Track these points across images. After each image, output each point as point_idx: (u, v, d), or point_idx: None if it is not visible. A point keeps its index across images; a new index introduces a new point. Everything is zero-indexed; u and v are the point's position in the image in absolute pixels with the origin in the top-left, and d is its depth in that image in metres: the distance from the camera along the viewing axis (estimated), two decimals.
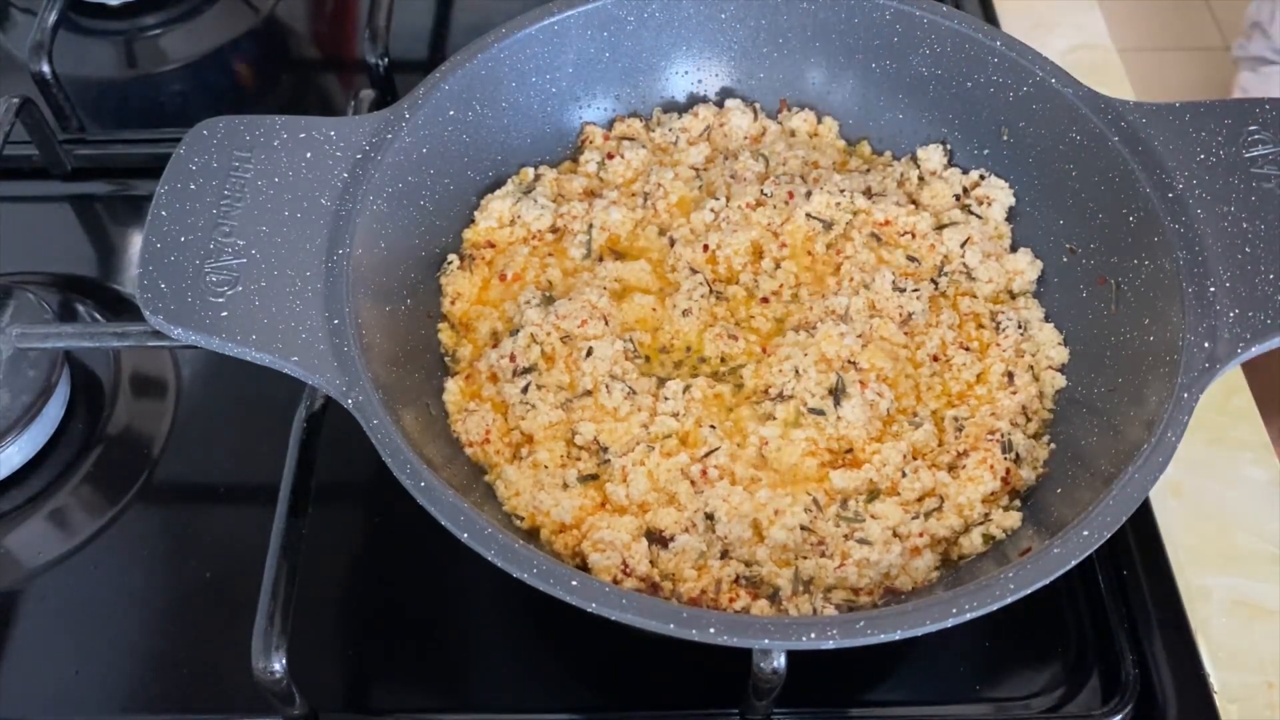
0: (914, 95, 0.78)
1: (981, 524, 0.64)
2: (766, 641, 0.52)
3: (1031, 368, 0.70)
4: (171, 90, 0.99)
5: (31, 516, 0.73)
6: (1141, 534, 0.70)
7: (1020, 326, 0.71)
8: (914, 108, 0.79)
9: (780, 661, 0.55)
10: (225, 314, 0.60)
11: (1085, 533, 0.54)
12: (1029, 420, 0.68)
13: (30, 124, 0.85)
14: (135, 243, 0.89)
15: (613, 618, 0.52)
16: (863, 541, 0.62)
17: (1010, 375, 0.69)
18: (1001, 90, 0.74)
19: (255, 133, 0.67)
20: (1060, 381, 0.69)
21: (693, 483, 0.64)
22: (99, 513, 0.73)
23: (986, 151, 0.76)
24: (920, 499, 0.65)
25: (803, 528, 0.63)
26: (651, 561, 0.61)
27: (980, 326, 0.72)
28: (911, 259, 0.74)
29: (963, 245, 0.74)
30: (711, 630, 0.51)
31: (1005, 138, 0.75)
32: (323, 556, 0.68)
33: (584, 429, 0.66)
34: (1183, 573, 0.69)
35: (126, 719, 0.65)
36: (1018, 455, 0.66)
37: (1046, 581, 0.53)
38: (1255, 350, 0.61)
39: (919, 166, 0.78)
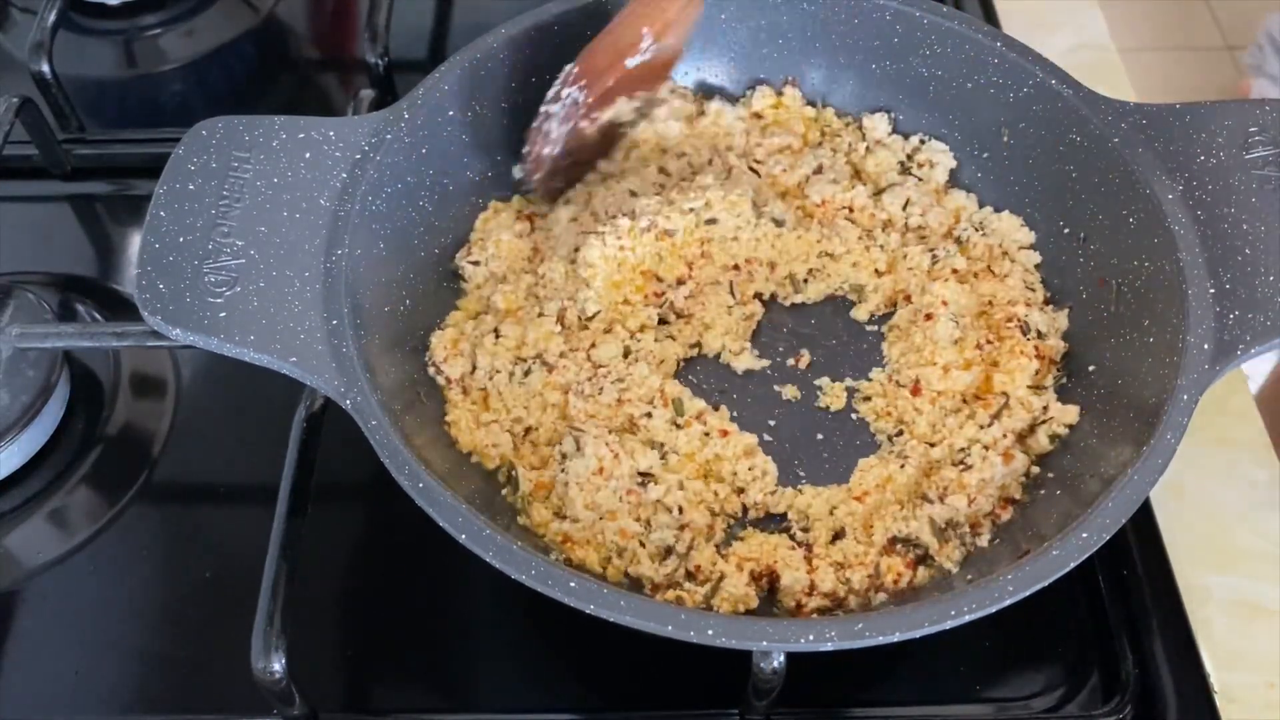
0: (914, 96, 0.78)
1: (1045, 422, 0.66)
2: (765, 643, 0.52)
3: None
4: (171, 90, 0.99)
5: (31, 516, 0.72)
6: (1142, 534, 0.70)
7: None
8: (914, 108, 0.79)
9: (780, 661, 0.55)
10: (224, 314, 0.60)
11: (1084, 535, 0.54)
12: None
13: (30, 123, 0.85)
14: (135, 242, 0.88)
15: (610, 619, 0.52)
16: (967, 467, 0.65)
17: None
18: (1002, 91, 0.74)
19: (254, 133, 0.67)
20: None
21: None
22: (99, 513, 0.73)
23: (986, 153, 0.76)
24: (982, 401, 0.68)
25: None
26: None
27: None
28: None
29: (904, 208, 0.76)
30: (710, 632, 0.51)
31: (1006, 139, 0.75)
32: (323, 556, 0.67)
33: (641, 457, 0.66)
34: (1183, 573, 0.69)
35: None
36: (1039, 332, 0.69)
37: (1045, 584, 0.53)
38: (1255, 352, 0.61)
39: (865, 136, 0.79)
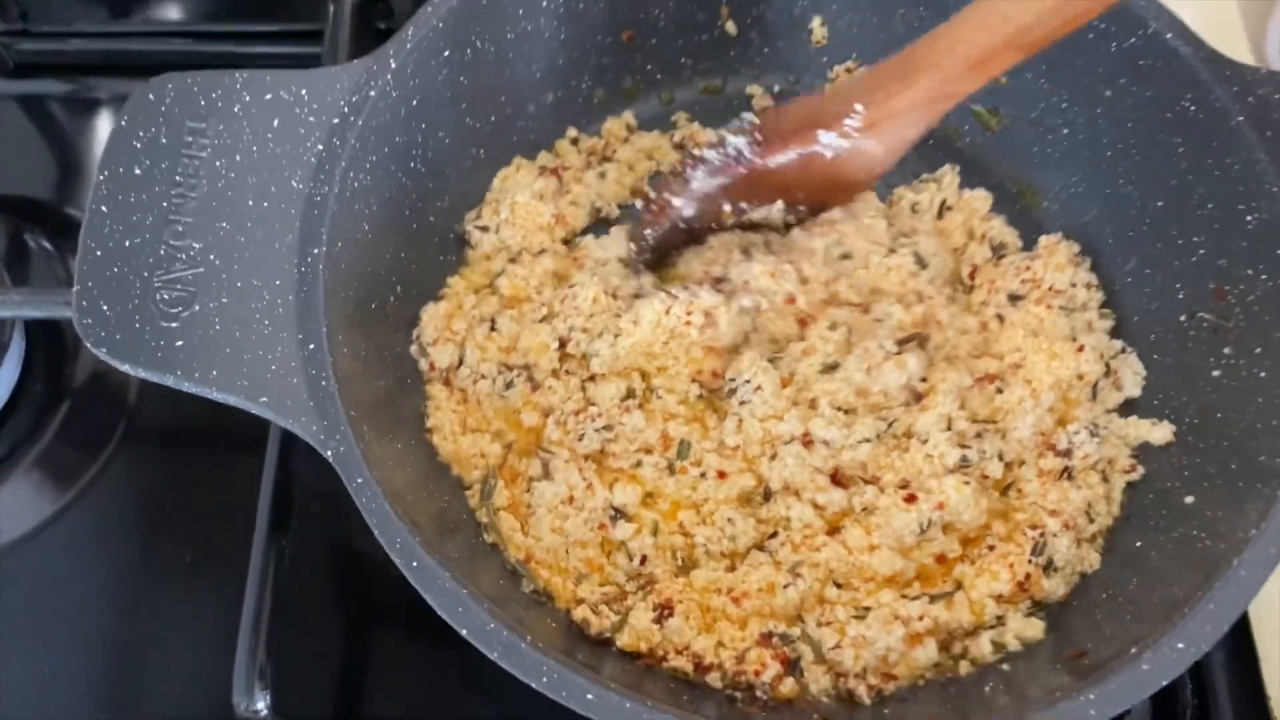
0: None
1: (994, 628, 0.55)
2: None
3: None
4: None
5: None
6: None
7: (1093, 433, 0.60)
8: None
9: None
10: (180, 342, 0.51)
11: (1180, 645, 0.46)
12: (1090, 521, 0.58)
13: None
14: (95, 153, 0.78)
15: None
16: (859, 616, 0.55)
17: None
18: (1104, 38, 0.62)
19: (211, 96, 0.56)
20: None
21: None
22: (76, 473, 0.67)
23: (1077, 108, 0.65)
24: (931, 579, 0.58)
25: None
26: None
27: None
28: None
29: None
30: None
31: (1105, 94, 0.63)
32: (306, 569, 0.61)
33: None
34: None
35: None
36: (1050, 561, 0.56)
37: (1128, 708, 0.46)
38: None
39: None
